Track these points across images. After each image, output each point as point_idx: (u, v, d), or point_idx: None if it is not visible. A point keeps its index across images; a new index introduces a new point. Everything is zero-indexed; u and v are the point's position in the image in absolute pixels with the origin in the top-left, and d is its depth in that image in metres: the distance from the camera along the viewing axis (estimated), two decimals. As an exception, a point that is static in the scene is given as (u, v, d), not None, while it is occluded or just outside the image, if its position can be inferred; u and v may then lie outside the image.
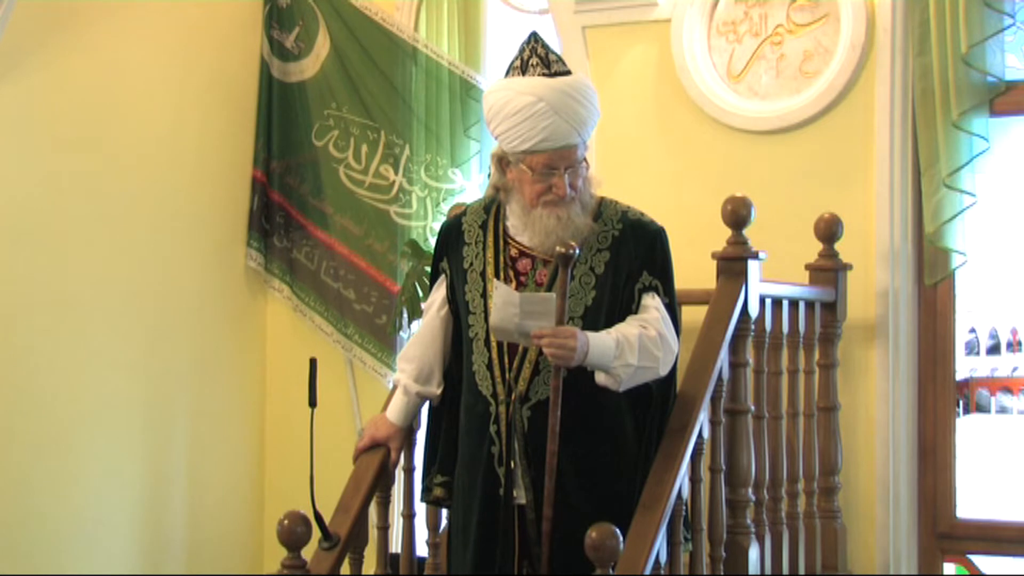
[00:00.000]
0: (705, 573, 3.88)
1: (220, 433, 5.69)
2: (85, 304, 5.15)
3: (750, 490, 4.09)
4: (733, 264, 4.06)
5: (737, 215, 4.08)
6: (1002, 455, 4.91)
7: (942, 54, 4.62)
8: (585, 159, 3.63)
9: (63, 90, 5.08)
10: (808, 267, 4.64)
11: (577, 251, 3.47)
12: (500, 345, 3.62)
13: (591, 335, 3.47)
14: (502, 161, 3.64)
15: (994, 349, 4.94)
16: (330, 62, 5.69)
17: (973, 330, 4.93)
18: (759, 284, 4.11)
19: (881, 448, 4.74)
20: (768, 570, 4.19)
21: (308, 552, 3.66)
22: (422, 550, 4.25)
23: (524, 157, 3.57)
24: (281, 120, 5.77)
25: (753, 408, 4.15)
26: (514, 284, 3.62)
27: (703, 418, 3.79)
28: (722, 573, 3.95)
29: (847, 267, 4.64)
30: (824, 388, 4.62)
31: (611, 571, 3.28)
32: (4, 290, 4.89)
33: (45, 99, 5.02)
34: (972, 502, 4.82)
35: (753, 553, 4.06)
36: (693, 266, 4.10)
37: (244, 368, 5.81)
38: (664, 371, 3.58)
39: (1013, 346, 4.93)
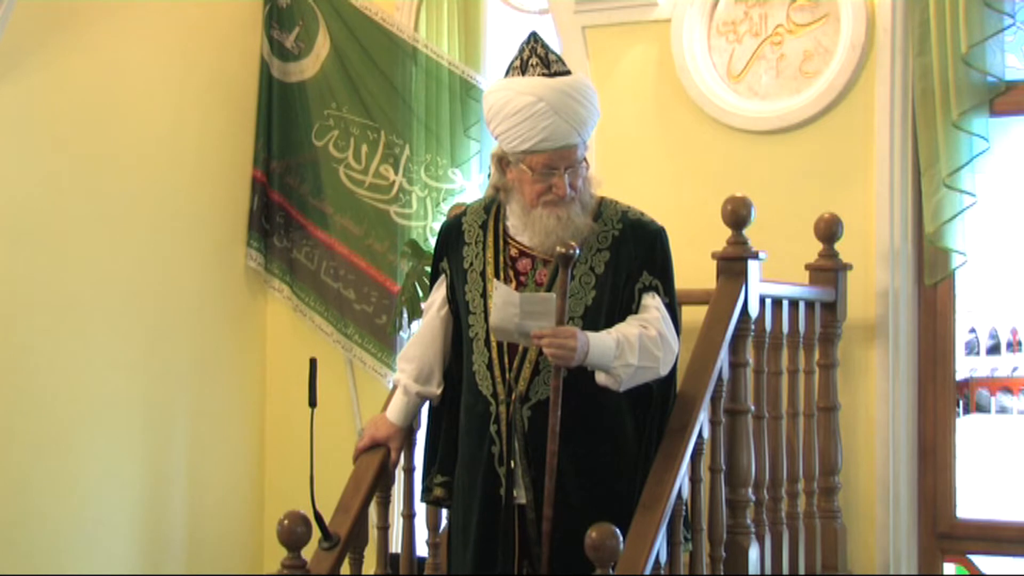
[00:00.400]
0: (705, 573, 3.88)
1: (220, 433, 5.69)
2: (85, 304, 5.15)
3: (750, 490, 4.09)
4: (733, 264, 4.06)
5: (737, 215, 4.08)
6: (1002, 455, 4.91)
7: (942, 54, 4.62)
8: (585, 159, 3.63)
9: (63, 90, 5.08)
10: (808, 267, 4.64)
11: (577, 251, 3.47)
12: (500, 345, 3.62)
13: (591, 335, 3.47)
14: (502, 161, 3.64)
15: (994, 349, 4.94)
16: (330, 62, 5.69)
17: (973, 330, 4.93)
18: (759, 284, 4.11)
19: (881, 448, 4.74)
20: (768, 570, 4.19)
21: (308, 552, 3.66)
22: (422, 550, 4.25)
23: (524, 157, 3.57)
24: (281, 120, 5.77)
25: (753, 408, 4.15)
26: (514, 284, 3.62)
27: (703, 418, 3.79)
28: (722, 573, 3.95)
29: (847, 267, 4.64)
30: (824, 388, 4.62)
31: (611, 571, 3.28)
32: (4, 290, 4.89)
33: (45, 99, 5.02)
34: (972, 502, 4.82)
35: (753, 553, 4.06)
36: (693, 266, 4.10)
37: (244, 368, 5.81)
38: (664, 371, 3.58)
39: (1013, 346, 4.93)
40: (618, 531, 3.29)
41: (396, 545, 4.49)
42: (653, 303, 3.59)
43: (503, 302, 3.48)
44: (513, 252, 3.67)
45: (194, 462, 5.57)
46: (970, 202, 4.62)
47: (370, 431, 3.92)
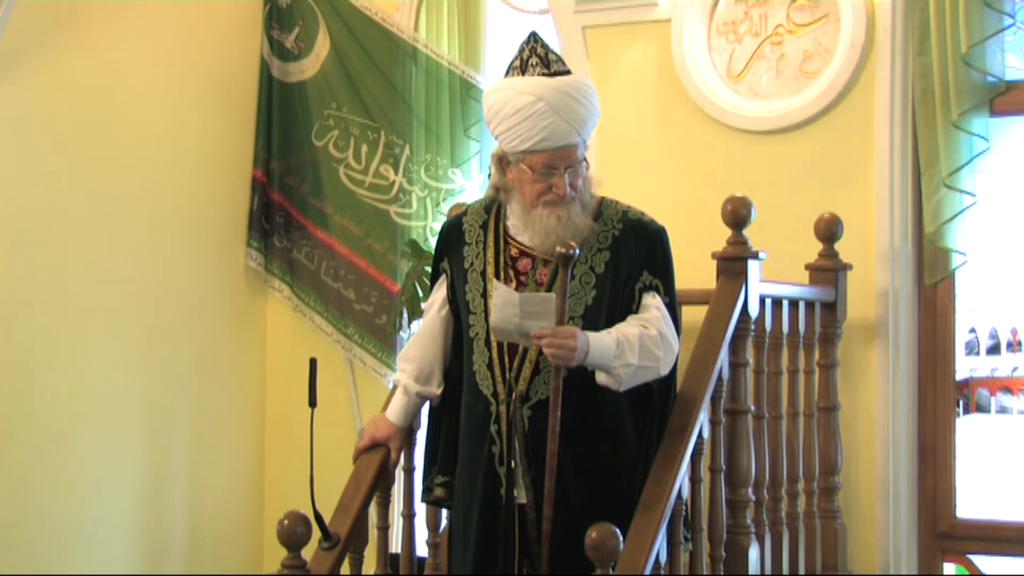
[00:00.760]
0: (705, 573, 3.88)
1: (220, 433, 5.69)
2: (85, 304, 5.15)
3: (750, 490, 4.09)
4: (733, 264, 4.06)
5: (737, 215, 4.08)
6: (1002, 455, 4.91)
7: (942, 54, 4.62)
8: (585, 159, 3.63)
9: (63, 90, 5.08)
10: (808, 267, 4.64)
11: (577, 251, 3.47)
12: (500, 345, 3.62)
13: (591, 335, 3.47)
14: (502, 161, 3.64)
15: (994, 349, 4.94)
16: (330, 62, 5.69)
17: (973, 330, 4.93)
18: (759, 284, 4.11)
19: (881, 448, 4.74)
20: (768, 570, 4.19)
21: (308, 552, 3.66)
22: (422, 550, 4.25)
23: (524, 157, 3.57)
24: (281, 120, 5.77)
25: (753, 408, 4.15)
26: (514, 284, 3.62)
27: (703, 418, 3.79)
28: (722, 573, 3.95)
29: (847, 267, 4.64)
30: (824, 388, 4.62)
31: (611, 571, 3.28)
32: (4, 290, 4.89)
33: (45, 99, 5.02)
34: (972, 502, 4.82)
35: (753, 553, 4.06)
36: (693, 266, 4.10)
37: (244, 368, 5.81)
38: (665, 371, 3.58)
39: (1013, 346, 4.93)
40: (618, 531, 3.29)
41: (396, 545, 4.49)
42: (653, 303, 3.59)
43: (503, 302, 3.48)
44: (513, 252, 3.67)
45: (194, 462, 5.57)
46: (970, 202, 4.62)
47: (370, 431, 3.92)
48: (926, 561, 4.80)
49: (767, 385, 4.30)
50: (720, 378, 3.92)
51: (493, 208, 3.74)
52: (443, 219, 5.35)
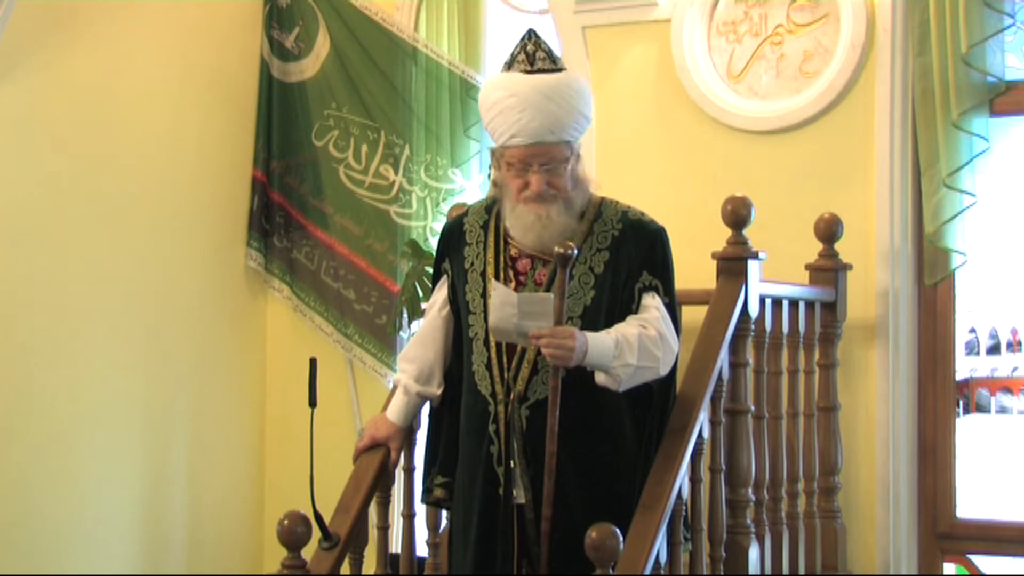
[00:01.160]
0: (705, 573, 3.88)
1: (220, 433, 5.69)
2: (85, 304, 5.15)
3: (750, 490, 4.09)
4: (733, 264, 4.06)
5: (737, 215, 4.08)
6: (1002, 455, 4.91)
7: (942, 54, 4.62)
8: (570, 159, 3.58)
9: (63, 90, 5.08)
10: (808, 267, 4.64)
11: (575, 251, 3.46)
12: (499, 345, 3.61)
13: (590, 335, 3.47)
14: (494, 155, 3.66)
15: (994, 349, 4.94)
16: (330, 62, 5.69)
17: (973, 330, 4.93)
18: (759, 284, 4.11)
19: (881, 448, 4.74)
20: (768, 570, 4.19)
21: (308, 552, 3.66)
22: (422, 550, 4.25)
23: (504, 151, 3.59)
24: (281, 120, 5.77)
25: (753, 408, 4.15)
26: (513, 284, 3.62)
27: (703, 418, 3.79)
28: (722, 573, 3.95)
29: (847, 267, 4.64)
30: (824, 388, 4.62)
31: (611, 571, 3.28)
32: (4, 290, 4.89)
33: (45, 99, 5.02)
34: (972, 502, 4.82)
35: (753, 553, 4.06)
36: (693, 266, 4.10)
37: (244, 368, 5.81)
38: (664, 371, 3.57)
39: (1013, 346, 4.93)
40: (618, 531, 3.29)
41: (396, 545, 4.49)
42: (653, 303, 3.59)
43: (501, 302, 3.48)
44: (513, 252, 3.67)
45: (194, 462, 5.57)
46: (970, 202, 4.62)
47: (370, 431, 3.92)
48: (926, 561, 4.80)
49: (767, 385, 4.30)
50: (720, 378, 3.92)
51: (494, 208, 3.74)
52: (443, 219, 5.36)
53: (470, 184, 5.51)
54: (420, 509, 4.16)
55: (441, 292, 3.82)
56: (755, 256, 4.08)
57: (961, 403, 4.87)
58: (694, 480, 3.80)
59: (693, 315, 4.06)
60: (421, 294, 5.08)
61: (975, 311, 4.91)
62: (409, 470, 4.13)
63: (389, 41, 5.57)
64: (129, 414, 5.32)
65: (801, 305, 4.46)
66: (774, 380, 4.34)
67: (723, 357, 3.91)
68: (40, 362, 5.00)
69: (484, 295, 3.66)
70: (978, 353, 4.93)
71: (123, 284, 5.28)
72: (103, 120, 5.22)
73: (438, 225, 5.48)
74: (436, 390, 3.82)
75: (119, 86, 5.28)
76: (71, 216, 5.10)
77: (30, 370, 4.97)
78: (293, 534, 3.58)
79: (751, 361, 4.15)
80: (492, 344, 3.62)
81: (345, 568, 3.81)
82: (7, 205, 4.90)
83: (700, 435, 3.76)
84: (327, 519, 3.72)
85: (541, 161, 3.55)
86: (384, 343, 5.53)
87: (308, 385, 3.57)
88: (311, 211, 5.73)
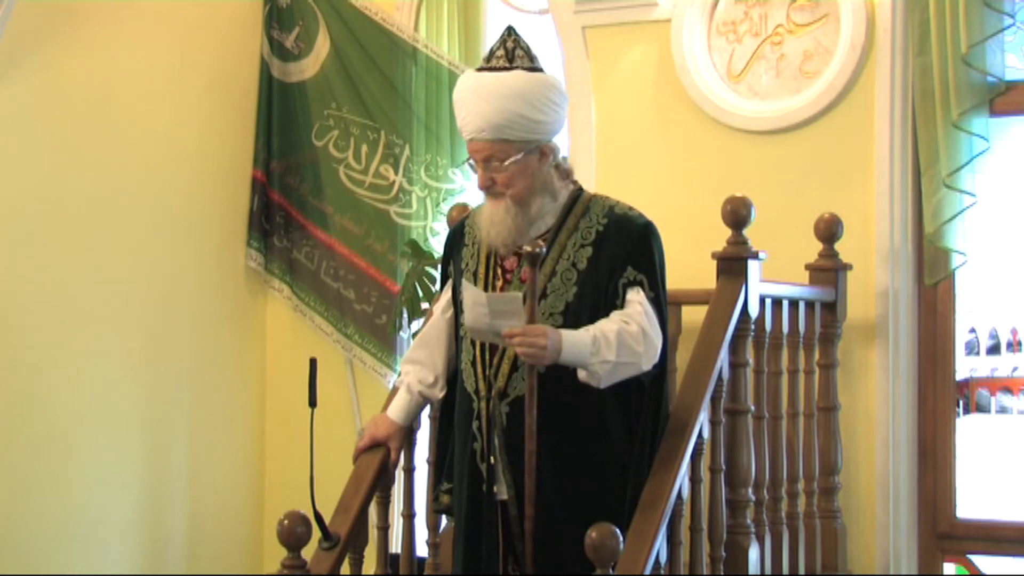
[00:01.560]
0: (705, 573, 3.88)
1: (220, 433, 5.69)
2: (85, 304, 5.15)
3: (750, 490, 4.09)
4: (733, 264, 4.06)
5: (737, 215, 4.08)
6: (1002, 455, 4.91)
7: (942, 54, 4.62)
8: (519, 158, 3.55)
9: (63, 90, 5.08)
10: (808, 267, 4.64)
11: (544, 250, 3.46)
12: (483, 342, 3.62)
13: (565, 333, 3.44)
14: None
15: (994, 349, 4.94)
16: (330, 62, 5.69)
17: (973, 330, 4.93)
18: (759, 284, 4.11)
19: (881, 448, 4.74)
20: (768, 570, 4.19)
21: (308, 552, 3.66)
22: (422, 550, 4.26)
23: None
24: (281, 120, 5.77)
25: (753, 408, 4.15)
26: (501, 282, 3.63)
27: (703, 418, 3.79)
28: (722, 573, 3.95)
29: (847, 267, 4.64)
30: (824, 388, 4.62)
31: (611, 571, 3.28)
32: (4, 290, 4.89)
33: (45, 99, 5.02)
34: (972, 502, 4.82)
35: (753, 553, 4.06)
36: (693, 266, 4.10)
37: (244, 368, 5.81)
38: (647, 366, 3.52)
39: (1013, 346, 4.93)
40: (618, 531, 3.29)
41: (396, 545, 4.49)
42: (637, 298, 3.54)
43: (472, 302, 3.49)
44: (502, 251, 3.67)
45: (194, 462, 5.57)
46: (970, 202, 4.62)
47: (370, 430, 3.92)
48: (926, 561, 4.80)
49: (767, 385, 4.30)
50: (720, 378, 3.91)
51: (492, 209, 3.75)
52: (443, 219, 5.37)
53: (470, 184, 5.50)
54: (420, 509, 4.16)
55: (445, 295, 3.83)
56: (755, 256, 4.07)
57: (961, 403, 4.87)
58: (694, 480, 3.80)
59: (693, 315, 4.06)
60: (421, 294, 5.08)
61: (975, 311, 4.91)
62: (409, 470, 4.13)
63: (389, 41, 5.57)
64: (129, 414, 5.32)
65: (801, 305, 4.46)
66: (774, 380, 4.34)
67: (723, 357, 3.91)
68: (40, 362, 5.00)
69: None
70: (978, 353, 4.93)
71: (123, 284, 5.28)
72: (103, 120, 5.22)
73: (438, 225, 5.48)
74: (439, 393, 3.82)
75: (119, 86, 5.28)
76: (71, 216, 5.10)
77: (30, 370, 4.97)
78: (293, 534, 3.58)
79: (751, 361, 4.14)
80: (477, 342, 3.62)
81: (345, 568, 3.81)
82: (7, 205, 4.90)
83: (700, 435, 3.76)
84: (327, 519, 3.72)
85: (482, 157, 3.58)
86: (384, 343, 5.53)
87: (308, 385, 3.57)
88: (311, 211, 5.73)
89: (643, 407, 3.62)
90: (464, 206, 4.63)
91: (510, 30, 3.68)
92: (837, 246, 4.64)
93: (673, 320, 4.30)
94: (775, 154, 4.92)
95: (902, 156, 4.77)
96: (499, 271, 3.65)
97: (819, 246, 4.65)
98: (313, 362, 3.56)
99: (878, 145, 4.78)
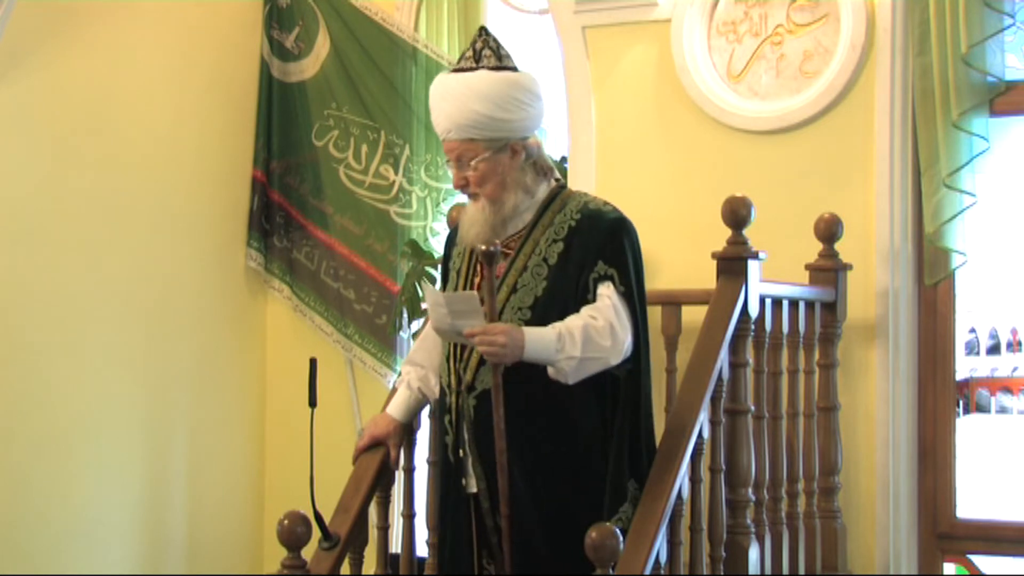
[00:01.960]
0: (705, 573, 3.88)
1: (220, 433, 5.69)
2: (85, 304, 5.15)
3: (750, 490, 4.08)
4: (733, 264, 4.06)
5: (737, 215, 4.08)
6: (1002, 455, 4.91)
7: (942, 54, 4.62)
8: (487, 156, 3.57)
9: (63, 90, 5.08)
10: (808, 267, 4.64)
11: (497, 248, 3.46)
12: None
13: (529, 330, 3.44)
14: None
15: (994, 349, 4.94)
16: (330, 62, 5.69)
17: (973, 330, 4.93)
18: (759, 284, 4.11)
19: (881, 448, 4.74)
20: (768, 570, 4.19)
21: (308, 552, 3.66)
22: (422, 550, 4.26)
23: None
24: (281, 120, 5.78)
25: (753, 408, 4.15)
26: (479, 279, 3.63)
27: (703, 418, 3.79)
28: (722, 573, 3.95)
29: (847, 267, 4.64)
30: (824, 388, 4.62)
31: (611, 571, 3.28)
32: (4, 290, 4.89)
33: (45, 99, 5.02)
34: (972, 502, 4.82)
35: (753, 553, 4.06)
36: (693, 266, 4.10)
37: (244, 368, 5.81)
38: (615, 360, 3.49)
39: (1013, 346, 4.93)
40: (618, 531, 3.29)
41: (396, 545, 4.49)
42: (607, 292, 3.52)
43: (433, 303, 3.51)
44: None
45: (194, 462, 5.57)
46: (970, 202, 4.62)
47: (370, 429, 3.92)
48: (926, 561, 4.80)
49: (767, 385, 4.29)
50: (720, 378, 3.91)
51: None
52: (443, 219, 5.37)
53: (470, 184, 5.50)
54: (420, 509, 4.16)
55: (445, 295, 3.84)
56: (755, 256, 4.07)
57: (961, 403, 4.87)
58: (694, 480, 3.80)
59: (693, 315, 4.06)
60: (421, 294, 5.08)
61: (975, 311, 4.91)
62: (409, 470, 4.13)
63: (389, 41, 5.57)
64: (129, 414, 5.32)
65: (801, 305, 4.46)
66: (774, 380, 4.34)
67: (723, 357, 3.90)
68: (40, 362, 5.00)
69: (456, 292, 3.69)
70: (978, 353, 4.93)
71: (123, 284, 5.28)
72: (103, 120, 5.22)
73: (438, 225, 5.48)
74: (438, 392, 3.82)
75: (119, 86, 5.28)
76: (71, 216, 5.10)
77: (30, 370, 4.97)
78: (293, 534, 3.58)
79: (751, 361, 4.14)
80: None
81: (345, 568, 3.81)
82: (7, 205, 4.90)
83: (700, 435, 3.76)
84: (327, 519, 3.72)
85: (454, 157, 3.63)
86: (384, 343, 5.53)
87: (308, 385, 3.57)
88: (311, 211, 5.73)
89: (619, 403, 3.59)
90: (463, 206, 4.63)
91: (482, 31, 3.71)
92: (837, 246, 4.64)
93: (673, 320, 4.30)
94: (775, 154, 4.91)
95: (902, 156, 4.77)
96: (479, 269, 3.65)
97: (819, 246, 4.65)
98: (313, 362, 3.56)
99: (878, 145, 4.77)
